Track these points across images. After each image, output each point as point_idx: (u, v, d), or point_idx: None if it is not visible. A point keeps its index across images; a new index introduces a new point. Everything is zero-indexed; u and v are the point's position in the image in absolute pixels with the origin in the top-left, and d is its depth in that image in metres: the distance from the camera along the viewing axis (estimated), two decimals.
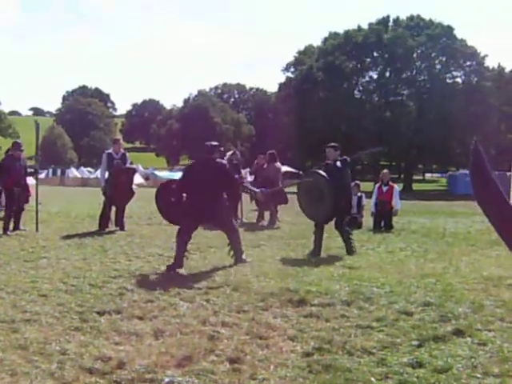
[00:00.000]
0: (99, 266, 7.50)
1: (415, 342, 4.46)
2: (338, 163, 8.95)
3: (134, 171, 12.05)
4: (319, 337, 4.61)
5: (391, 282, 6.56)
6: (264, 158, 14.20)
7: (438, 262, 8.20)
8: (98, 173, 12.97)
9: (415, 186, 58.18)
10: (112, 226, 11.69)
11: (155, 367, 3.88)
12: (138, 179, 43.14)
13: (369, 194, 14.92)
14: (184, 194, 7.75)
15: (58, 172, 59.30)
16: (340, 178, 8.80)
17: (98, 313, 5.17)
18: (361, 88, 59.34)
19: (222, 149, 7.95)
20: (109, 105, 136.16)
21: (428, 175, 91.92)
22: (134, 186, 12.01)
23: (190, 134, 78.72)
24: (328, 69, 54.81)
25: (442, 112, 49.52)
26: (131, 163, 11.91)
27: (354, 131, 50.86)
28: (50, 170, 58.43)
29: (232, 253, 7.90)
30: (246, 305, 5.54)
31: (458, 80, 57.11)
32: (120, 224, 11.66)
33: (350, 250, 9.02)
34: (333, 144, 9.24)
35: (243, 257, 7.93)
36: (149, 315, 5.15)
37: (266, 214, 14.21)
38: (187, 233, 7.61)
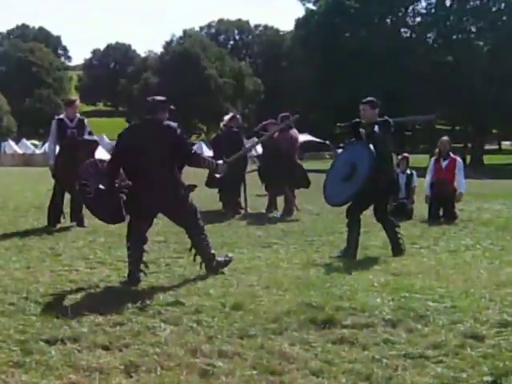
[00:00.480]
0: (49, 277, 7.51)
1: (488, 378, 4.45)
2: (376, 127, 8.88)
3: (96, 145, 12.02)
4: (353, 371, 4.61)
5: (453, 294, 6.54)
6: (275, 123, 14.17)
7: None
8: (47, 147, 13.01)
9: (488, 159, 58.13)
10: (66, 221, 11.74)
11: None
12: (101, 154, 43.33)
13: (422, 171, 14.89)
14: (118, 178, 7.53)
15: None
16: (379, 147, 8.76)
17: (47, 342, 5.17)
18: (410, 23, 59.05)
19: (172, 107, 7.71)
20: (60, 52, 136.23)
21: (506, 143, 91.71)
22: None
23: (174, 92, 78.66)
24: None
25: None
26: (91, 133, 11.86)
27: (401, 83, 50.65)
28: None
29: (199, 260, 7.73)
30: (251, 327, 5.55)
31: None
32: (77, 218, 11.70)
33: (397, 249, 9.03)
34: (369, 99, 9.18)
35: (217, 262, 7.77)
36: (117, 343, 5.16)
37: (280, 201, 14.22)
38: (139, 232, 7.48)
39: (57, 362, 4.76)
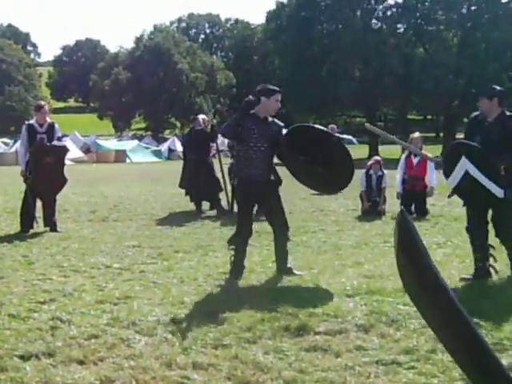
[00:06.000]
0: (22, 287, 7.47)
1: (459, 383, 4.52)
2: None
3: (65, 150, 11.99)
4: (327, 379, 4.67)
5: None
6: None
7: None
8: (18, 146, 12.92)
9: None
10: (39, 226, 11.69)
11: None
12: (74, 152, 43.06)
13: (394, 163, 14.94)
14: None
15: None
16: None
17: (22, 357, 5.17)
18: (380, 14, 59.14)
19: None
20: (29, 48, 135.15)
21: None
22: (68, 162, 12.02)
23: (146, 87, 78.24)
24: None
25: (495, 44, 49.52)
26: (60, 139, 11.80)
27: (372, 75, 50.79)
28: None
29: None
30: (225, 337, 5.59)
31: None
32: (50, 222, 11.66)
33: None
34: None
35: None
36: (92, 357, 5.17)
37: None
38: None
39: (32, 378, 4.77)
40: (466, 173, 7.55)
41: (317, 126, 8.92)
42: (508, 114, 7.81)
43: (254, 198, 8.06)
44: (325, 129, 8.79)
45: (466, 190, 7.70)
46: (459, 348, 2.19)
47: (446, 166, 7.87)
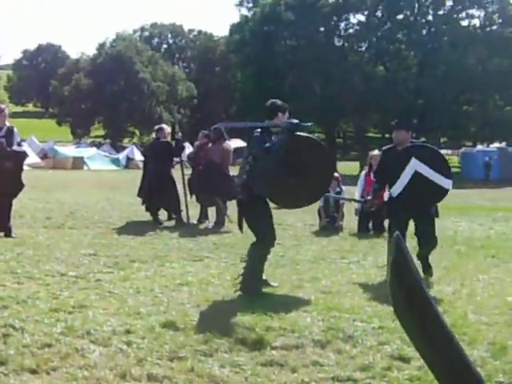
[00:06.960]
0: None
1: None
2: None
3: (24, 156, 11.86)
4: None
5: (381, 314, 6.62)
6: (208, 135, 14.17)
7: (446, 283, 8.37)
8: None
9: None
10: None
11: None
12: (31, 157, 42.56)
13: (353, 180, 14.99)
14: None
15: None
16: None
17: None
18: (343, 33, 59.76)
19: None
20: None
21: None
22: (25, 167, 11.93)
23: (106, 95, 77.82)
24: (299, 6, 54.98)
25: (454, 66, 50.35)
26: (20, 144, 11.68)
27: (333, 92, 51.18)
28: None
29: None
30: (181, 349, 5.54)
31: (476, 23, 58.12)
32: (4, 228, 11.49)
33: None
34: None
35: None
36: (45, 367, 5.08)
37: (211, 212, 14.20)
38: None
39: None
40: (415, 173, 8.40)
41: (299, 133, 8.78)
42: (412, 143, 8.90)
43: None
44: (307, 135, 8.71)
45: (410, 194, 8.48)
46: (441, 363, 2.19)
47: (391, 174, 8.68)
